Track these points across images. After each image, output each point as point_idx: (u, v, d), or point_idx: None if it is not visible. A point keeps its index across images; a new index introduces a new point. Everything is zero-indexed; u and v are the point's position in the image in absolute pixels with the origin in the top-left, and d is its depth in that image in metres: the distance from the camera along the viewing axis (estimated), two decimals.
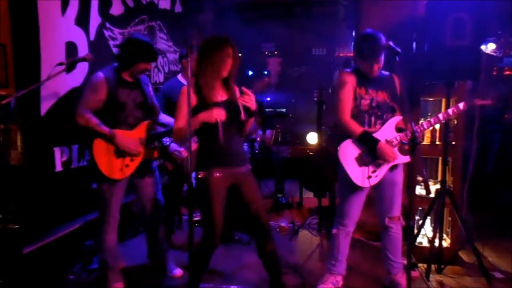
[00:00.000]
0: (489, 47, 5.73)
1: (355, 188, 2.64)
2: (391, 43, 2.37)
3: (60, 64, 2.19)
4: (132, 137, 2.67)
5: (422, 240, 3.45)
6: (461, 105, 2.60)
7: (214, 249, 2.43)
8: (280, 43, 7.68)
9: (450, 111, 2.61)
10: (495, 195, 4.51)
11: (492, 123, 5.07)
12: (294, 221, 4.16)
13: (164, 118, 3.04)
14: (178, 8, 4.83)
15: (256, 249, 2.51)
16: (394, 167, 2.63)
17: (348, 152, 2.64)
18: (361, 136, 2.58)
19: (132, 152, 2.65)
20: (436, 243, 3.18)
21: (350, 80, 2.65)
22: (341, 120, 2.64)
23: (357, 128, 2.59)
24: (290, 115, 5.62)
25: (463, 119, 3.44)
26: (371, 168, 2.60)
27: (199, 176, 2.35)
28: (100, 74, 2.57)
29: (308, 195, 4.86)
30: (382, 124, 2.64)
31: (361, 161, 2.61)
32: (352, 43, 2.88)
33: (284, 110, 5.52)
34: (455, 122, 3.46)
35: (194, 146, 2.81)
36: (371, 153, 2.58)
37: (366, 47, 2.52)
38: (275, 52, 7.82)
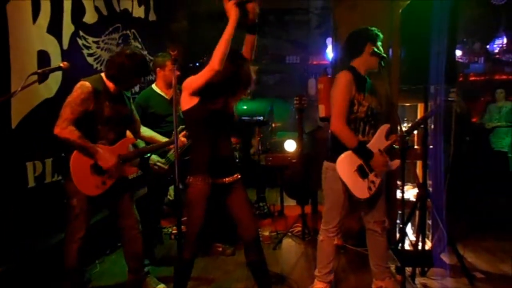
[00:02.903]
0: (456, 54, 5.94)
1: (347, 198, 2.58)
2: (375, 48, 2.38)
3: (35, 73, 2.06)
4: (112, 154, 2.53)
5: (405, 243, 3.47)
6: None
7: (192, 256, 2.35)
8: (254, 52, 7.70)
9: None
10: (467, 197, 4.65)
11: (461, 126, 5.23)
12: (277, 229, 4.12)
13: (145, 132, 2.95)
14: (152, 17, 4.74)
15: (245, 259, 2.45)
16: None
17: (348, 165, 2.51)
18: (356, 149, 2.48)
19: (111, 170, 2.51)
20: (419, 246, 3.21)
21: (352, 83, 2.48)
22: (336, 126, 2.49)
23: (353, 139, 2.48)
24: (270, 122, 5.61)
25: (440, 122, 3.51)
26: (370, 178, 2.53)
27: (186, 180, 2.30)
28: (88, 84, 2.41)
29: (289, 203, 4.83)
30: (374, 134, 2.59)
31: (361, 172, 2.52)
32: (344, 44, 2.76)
33: (261, 118, 5.49)
34: (432, 126, 3.53)
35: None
36: (369, 164, 2.52)
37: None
38: None
